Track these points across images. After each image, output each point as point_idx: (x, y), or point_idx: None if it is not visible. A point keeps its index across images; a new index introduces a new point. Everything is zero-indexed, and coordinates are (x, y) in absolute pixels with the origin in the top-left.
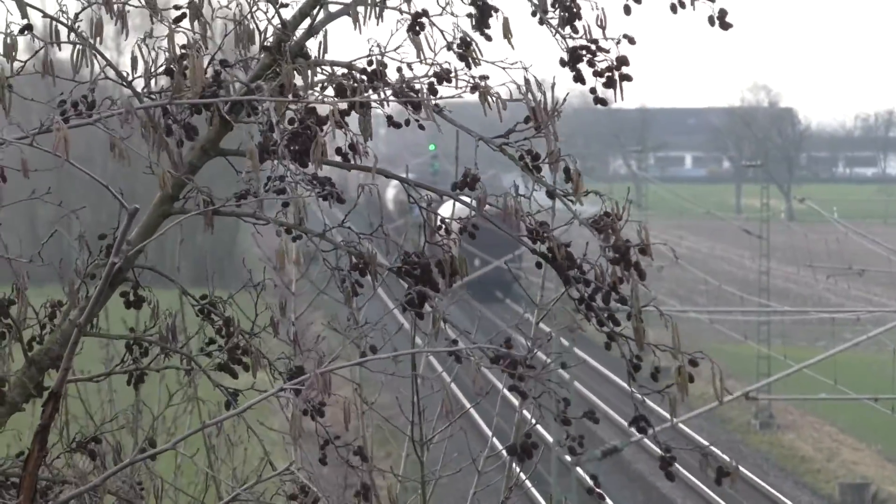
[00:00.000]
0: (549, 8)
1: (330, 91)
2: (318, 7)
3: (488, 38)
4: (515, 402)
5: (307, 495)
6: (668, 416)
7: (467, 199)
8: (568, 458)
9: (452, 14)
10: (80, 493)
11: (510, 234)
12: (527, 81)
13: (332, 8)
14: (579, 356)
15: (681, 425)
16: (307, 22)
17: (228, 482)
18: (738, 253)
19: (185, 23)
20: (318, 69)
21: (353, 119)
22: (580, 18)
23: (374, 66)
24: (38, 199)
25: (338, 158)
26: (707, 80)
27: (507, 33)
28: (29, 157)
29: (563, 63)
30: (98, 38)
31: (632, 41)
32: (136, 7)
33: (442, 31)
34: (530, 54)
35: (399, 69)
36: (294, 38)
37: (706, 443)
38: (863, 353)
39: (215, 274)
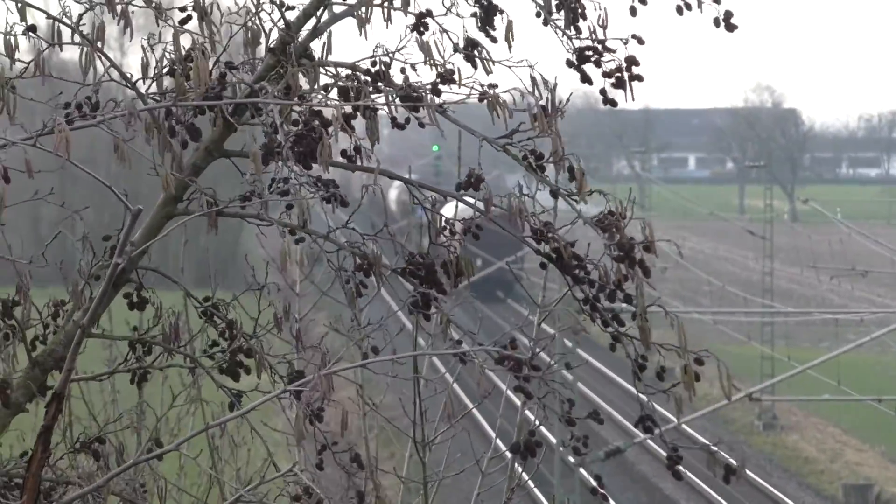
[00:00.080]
0: (554, 10)
1: (334, 93)
2: (322, 8)
3: (493, 40)
4: (518, 402)
5: (310, 497)
6: (671, 416)
7: (471, 200)
8: (571, 458)
9: (458, 15)
10: (84, 494)
11: (515, 235)
12: (533, 80)
13: (337, 9)
14: (582, 357)
15: (684, 426)
16: (311, 23)
17: (232, 483)
18: (741, 254)
19: (190, 24)
20: (322, 70)
21: (357, 119)
22: (584, 18)
23: (377, 68)
24: (41, 199)
25: (342, 160)
26: (710, 81)
27: (508, 36)
28: (32, 158)
29: (569, 64)
30: (100, 42)
31: (640, 41)
32: (140, 7)
33: (447, 32)
34: (531, 55)
35: (403, 70)
36: (298, 39)
37: (710, 443)
38: (866, 355)
39: (219, 275)
